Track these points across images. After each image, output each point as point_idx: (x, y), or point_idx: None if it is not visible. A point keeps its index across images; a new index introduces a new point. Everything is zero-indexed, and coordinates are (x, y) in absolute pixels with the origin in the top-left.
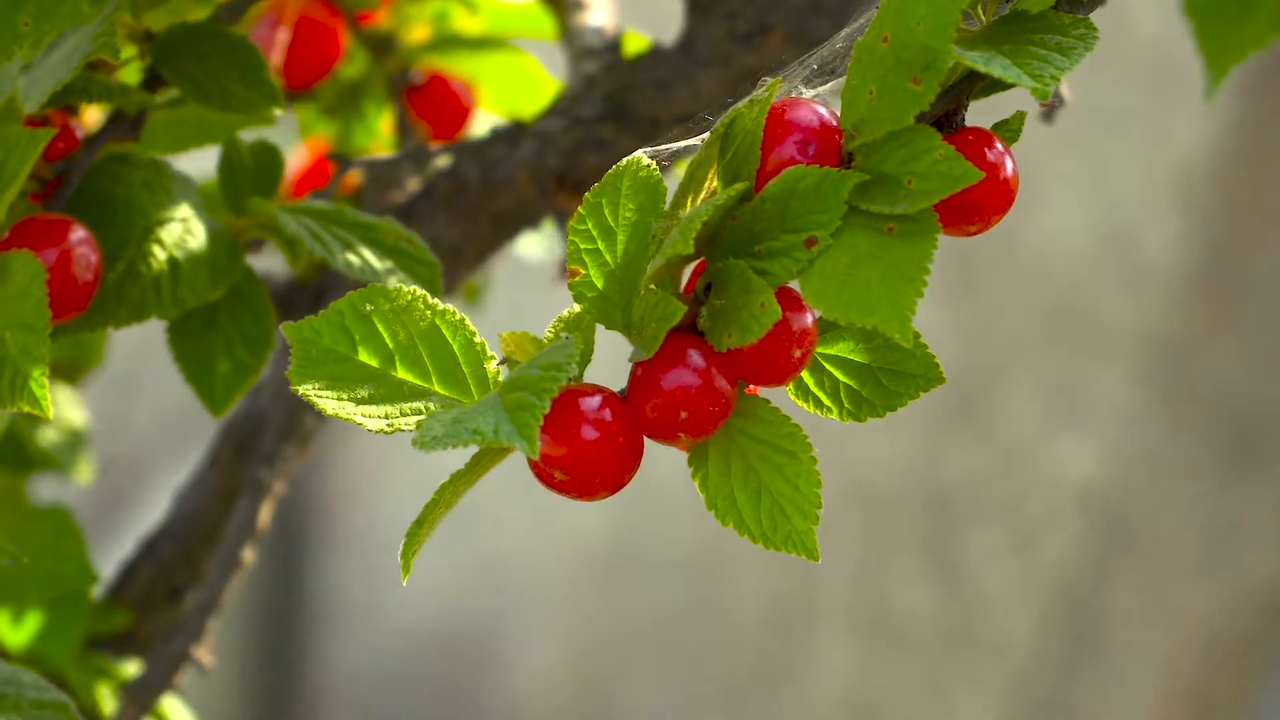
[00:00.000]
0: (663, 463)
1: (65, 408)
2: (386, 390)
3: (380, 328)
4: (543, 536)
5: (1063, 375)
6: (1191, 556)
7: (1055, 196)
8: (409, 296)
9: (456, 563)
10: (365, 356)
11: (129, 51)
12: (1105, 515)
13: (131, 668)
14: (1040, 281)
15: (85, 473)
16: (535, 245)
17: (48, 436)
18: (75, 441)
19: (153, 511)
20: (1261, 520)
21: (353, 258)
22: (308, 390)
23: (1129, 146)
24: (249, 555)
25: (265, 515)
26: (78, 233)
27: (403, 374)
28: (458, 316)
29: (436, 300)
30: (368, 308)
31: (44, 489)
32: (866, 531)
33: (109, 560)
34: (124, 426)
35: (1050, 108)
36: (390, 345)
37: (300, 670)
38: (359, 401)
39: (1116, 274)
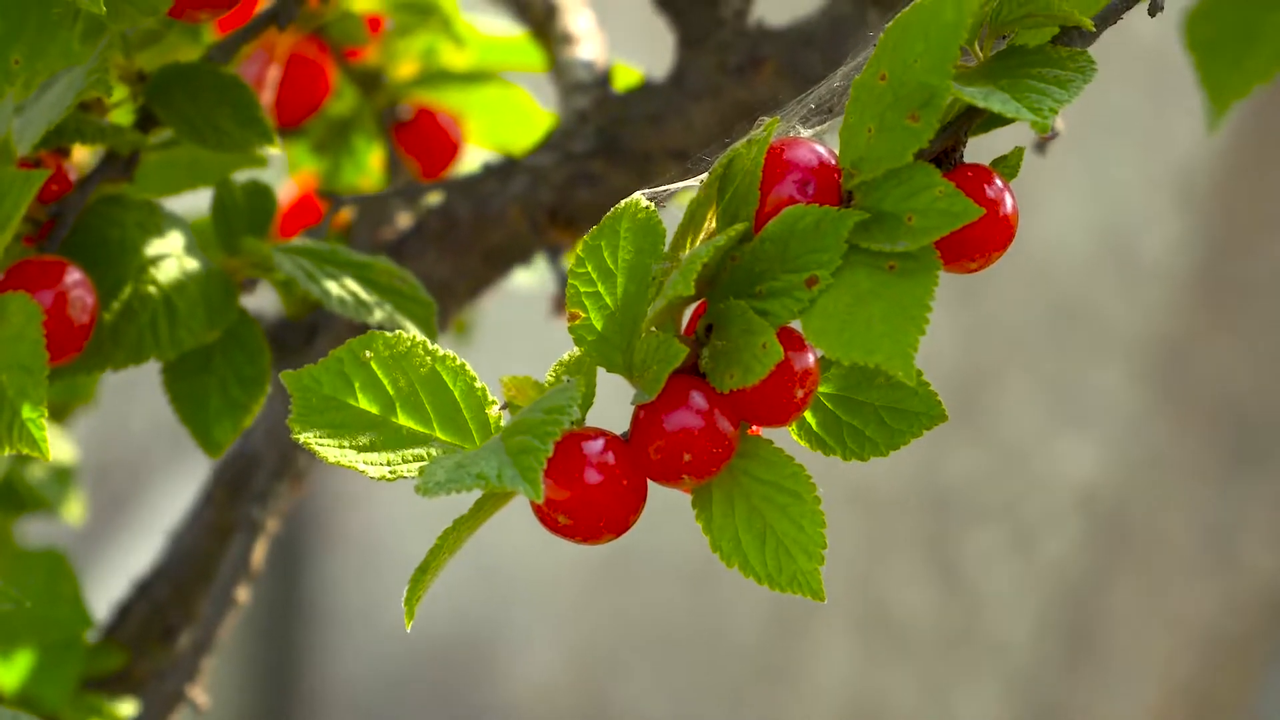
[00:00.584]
0: None
1: (54, 446)
2: (387, 437)
3: (380, 374)
4: (542, 541)
5: (1063, 376)
6: (1191, 556)
7: (1055, 197)
8: (408, 343)
9: (456, 568)
10: (365, 403)
11: (121, 93)
12: (1105, 516)
13: (126, 708)
14: (1040, 282)
15: (75, 511)
16: (530, 279)
17: (34, 474)
18: (65, 479)
19: (150, 516)
20: (1261, 520)
21: (346, 297)
22: (309, 438)
23: (1129, 147)
24: (243, 594)
25: (259, 554)
26: (73, 275)
27: (403, 420)
28: (458, 362)
29: (436, 346)
30: (366, 354)
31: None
32: (866, 532)
33: (108, 568)
34: (122, 431)
35: (1046, 139)
36: (390, 392)
37: (299, 675)
38: (360, 449)
39: (1116, 275)
